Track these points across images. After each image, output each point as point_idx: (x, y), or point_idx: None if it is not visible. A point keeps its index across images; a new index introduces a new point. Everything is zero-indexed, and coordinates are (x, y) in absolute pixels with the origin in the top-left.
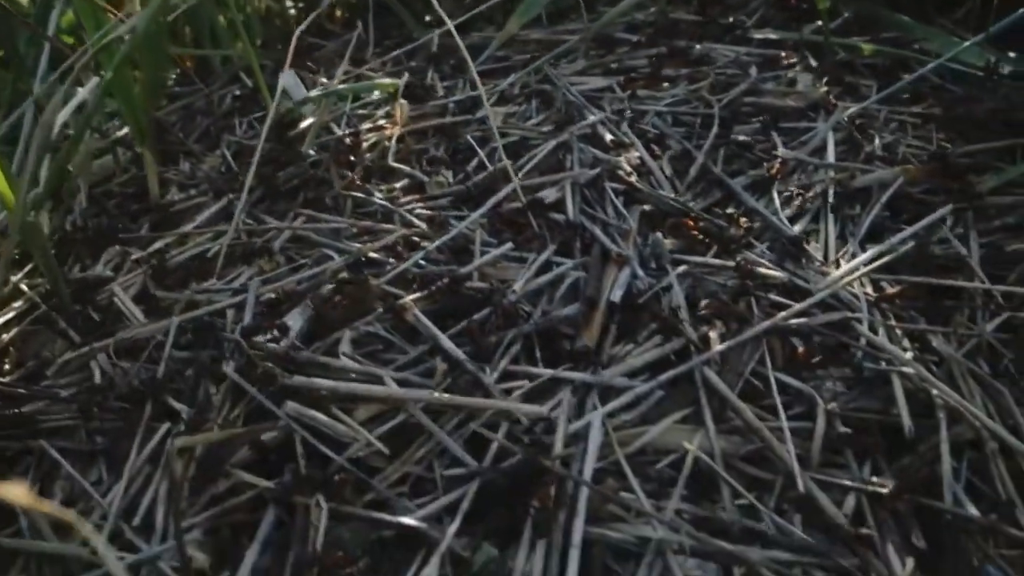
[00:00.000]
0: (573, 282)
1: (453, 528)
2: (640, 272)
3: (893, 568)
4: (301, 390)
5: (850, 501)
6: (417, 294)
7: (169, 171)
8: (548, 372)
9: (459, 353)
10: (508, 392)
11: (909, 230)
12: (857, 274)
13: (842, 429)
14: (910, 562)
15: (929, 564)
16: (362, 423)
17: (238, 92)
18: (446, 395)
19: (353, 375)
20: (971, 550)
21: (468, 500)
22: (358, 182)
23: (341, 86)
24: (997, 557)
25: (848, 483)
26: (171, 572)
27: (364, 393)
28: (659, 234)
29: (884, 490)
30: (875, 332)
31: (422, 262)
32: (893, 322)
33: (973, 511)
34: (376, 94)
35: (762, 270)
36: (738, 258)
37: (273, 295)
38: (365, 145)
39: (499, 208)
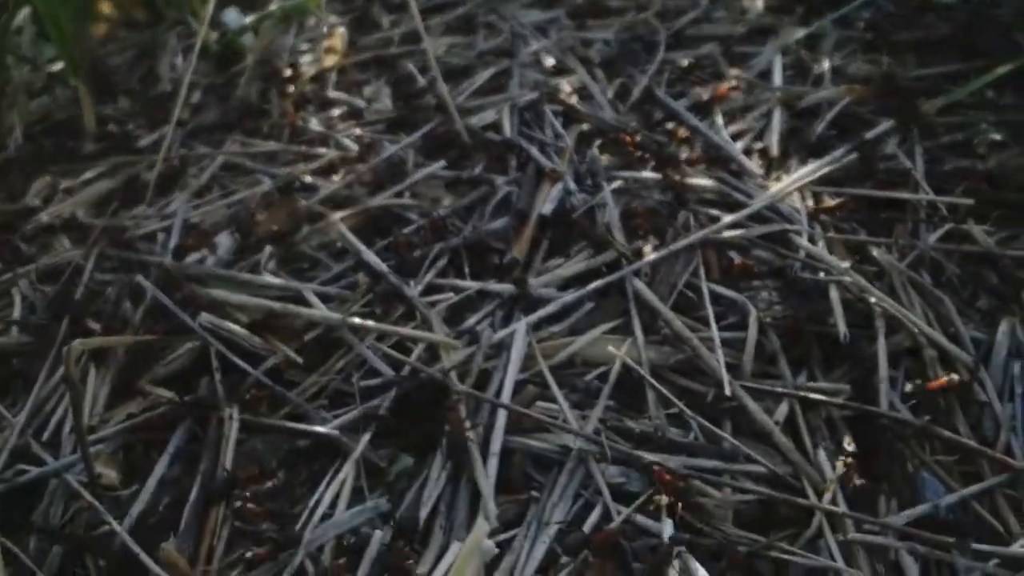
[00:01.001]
0: (505, 197)
1: (367, 436)
2: (574, 187)
3: (824, 473)
4: (219, 305)
5: (782, 409)
6: (344, 212)
7: (108, 108)
8: (474, 285)
9: (382, 266)
10: (432, 304)
11: (852, 145)
12: (794, 185)
13: (776, 338)
14: (840, 466)
15: (863, 470)
16: (280, 337)
17: (182, 32)
18: (356, 319)
19: (275, 291)
20: (905, 455)
21: (384, 410)
22: (296, 111)
23: (272, 7)
24: (933, 463)
25: (780, 390)
26: (79, 486)
27: (280, 310)
28: (595, 151)
29: (818, 396)
30: (814, 244)
31: (353, 184)
32: (833, 234)
33: (908, 416)
34: (325, 30)
35: (696, 183)
36: (670, 171)
37: (202, 218)
38: (305, 76)
39: (434, 131)
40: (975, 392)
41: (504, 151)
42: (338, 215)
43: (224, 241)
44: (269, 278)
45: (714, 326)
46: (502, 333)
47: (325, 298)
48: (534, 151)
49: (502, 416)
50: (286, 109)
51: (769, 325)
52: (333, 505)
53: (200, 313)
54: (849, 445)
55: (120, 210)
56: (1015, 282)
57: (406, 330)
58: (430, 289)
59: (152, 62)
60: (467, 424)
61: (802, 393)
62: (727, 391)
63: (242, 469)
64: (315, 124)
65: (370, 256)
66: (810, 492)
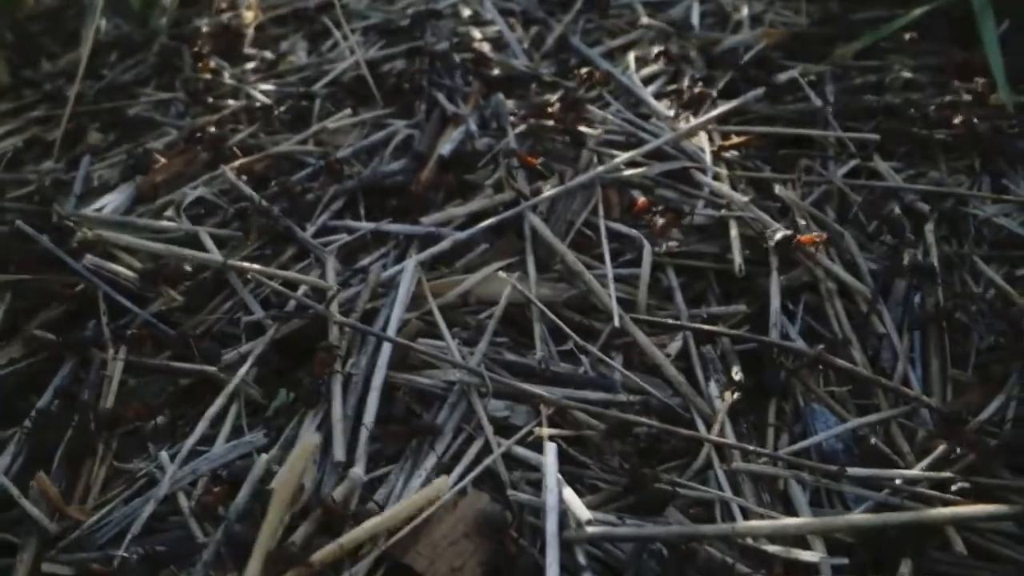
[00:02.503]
0: (406, 140)
1: (243, 371)
2: (476, 130)
3: (714, 404)
4: (108, 249)
5: (676, 343)
6: (245, 159)
7: (26, 71)
8: (368, 225)
9: (274, 210)
10: (325, 245)
11: (762, 87)
12: (700, 125)
13: (673, 275)
14: (729, 397)
15: (753, 403)
16: (169, 280)
17: None
18: (237, 262)
19: (171, 236)
20: (796, 389)
21: (265, 348)
22: (210, 65)
23: None
24: (826, 396)
25: (672, 321)
26: None
27: (165, 252)
28: (501, 96)
29: (710, 327)
30: (718, 181)
31: (258, 132)
32: (738, 171)
33: (802, 345)
34: None
35: (601, 125)
36: (574, 115)
37: (106, 170)
38: (222, 32)
39: (344, 81)
40: (873, 324)
41: (412, 99)
42: (236, 162)
43: (124, 189)
44: (164, 223)
45: (608, 263)
46: (391, 271)
47: (220, 241)
48: (441, 97)
49: (385, 351)
50: (200, 64)
51: (667, 263)
52: (212, 441)
53: (85, 255)
54: (737, 374)
55: (26, 164)
56: (919, 217)
57: (284, 272)
58: (324, 231)
59: (76, 24)
60: (338, 362)
61: (695, 324)
62: (616, 323)
63: (123, 408)
64: (228, 78)
65: (261, 199)
66: (699, 424)
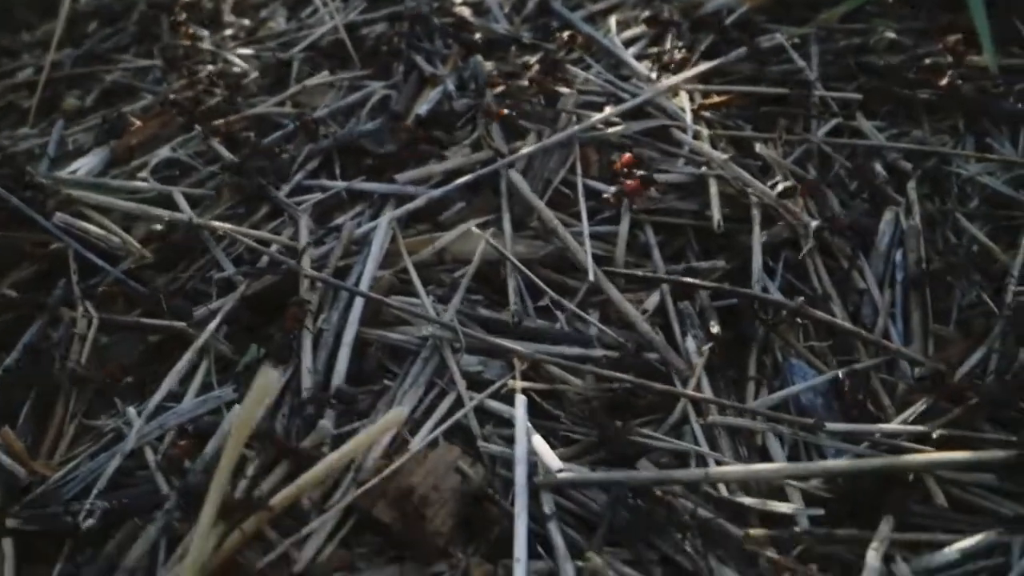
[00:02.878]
0: (383, 101)
1: (213, 325)
2: (454, 91)
3: (691, 359)
4: (81, 209)
5: (653, 298)
6: (221, 120)
7: (4, 40)
8: (341, 184)
9: (247, 169)
10: (299, 204)
11: (745, 48)
12: (680, 84)
13: (651, 232)
14: (706, 351)
15: (732, 357)
16: (140, 239)
17: None
18: (208, 220)
19: (144, 196)
20: (774, 340)
21: (236, 303)
22: (189, 33)
23: None
24: (805, 350)
25: (650, 274)
26: None
27: (137, 211)
28: (479, 58)
29: (688, 280)
30: (698, 140)
31: (235, 95)
32: (719, 131)
33: (781, 298)
34: None
35: (581, 86)
36: (552, 76)
37: (82, 133)
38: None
39: (323, 45)
40: (854, 280)
41: (390, 61)
42: (210, 124)
43: (98, 153)
44: (137, 184)
45: (585, 219)
46: (365, 228)
47: (193, 201)
48: (419, 60)
49: (357, 306)
50: (179, 32)
51: (645, 221)
52: (182, 398)
53: (56, 215)
54: (715, 327)
55: (2, 131)
56: (901, 175)
57: (256, 231)
58: (299, 190)
59: None
60: (309, 318)
61: (672, 277)
62: (591, 278)
63: (96, 366)
64: (206, 44)
65: (234, 159)
66: (676, 379)
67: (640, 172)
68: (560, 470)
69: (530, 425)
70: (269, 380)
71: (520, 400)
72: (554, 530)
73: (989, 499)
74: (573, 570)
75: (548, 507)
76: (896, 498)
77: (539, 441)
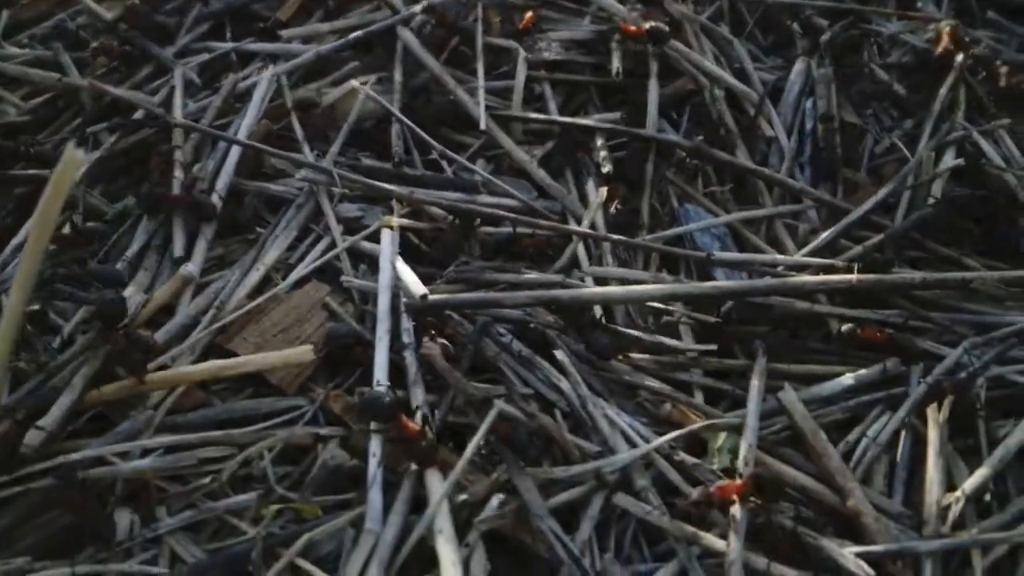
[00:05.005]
0: None
1: (80, 171)
2: None
3: (589, 200)
4: None
5: (548, 145)
6: None
7: None
8: (228, 45)
9: (131, 32)
10: (186, 63)
11: None
12: None
13: (548, 85)
14: (604, 191)
15: (627, 203)
16: (22, 97)
17: None
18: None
19: (28, 58)
20: (669, 188)
21: (104, 153)
22: None
23: None
24: (706, 198)
25: (541, 116)
26: None
27: (19, 74)
28: None
29: (584, 121)
30: None
31: None
32: None
33: (677, 137)
34: None
35: None
36: None
37: None
38: None
39: None
40: (761, 128)
41: None
42: None
43: None
44: (21, 50)
45: (481, 74)
46: (247, 82)
47: (80, 64)
48: None
49: (233, 156)
50: None
51: (544, 78)
52: None
53: None
54: (606, 167)
55: None
56: (816, 29)
57: (133, 92)
58: (186, 52)
59: None
60: (179, 167)
61: (565, 120)
62: (482, 126)
63: None
64: None
65: (118, 21)
66: (570, 220)
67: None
68: (425, 295)
69: (400, 257)
70: (74, 158)
71: (388, 233)
72: (409, 357)
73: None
74: (423, 395)
75: (406, 337)
76: (782, 321)
77: (404, 269)
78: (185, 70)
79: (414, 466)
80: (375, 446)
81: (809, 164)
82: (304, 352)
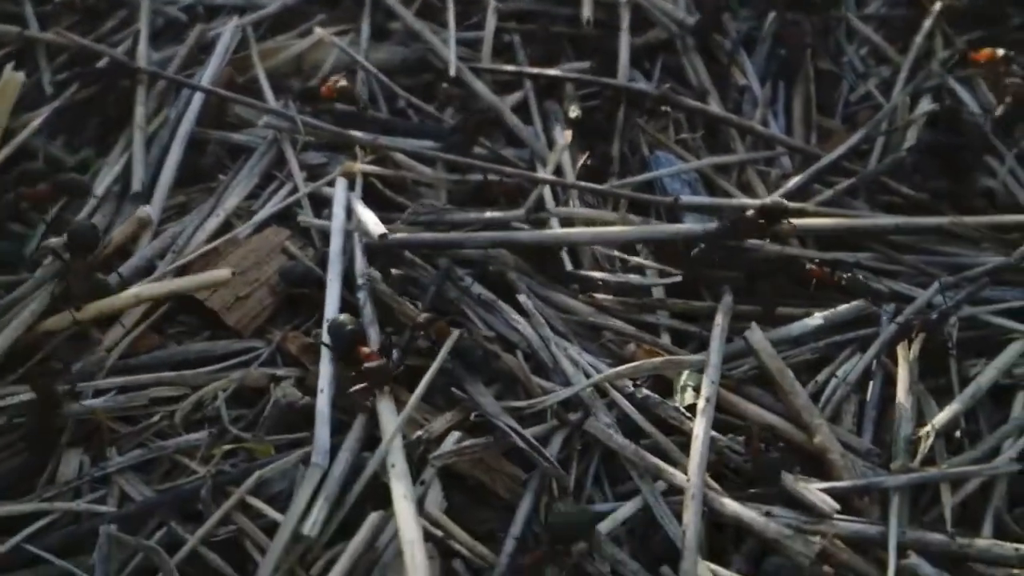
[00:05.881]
0: None
1: (37, 123)
2: None
3: (554, 138)
4: None
5: (516, 96)
6: None
7: None
8: None
9: None
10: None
11: None
12: None
13: (517, 35)
14: (568, 134)
15: (597, 151)
16: None
17: None
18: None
19: None
20: (639, 135)
21: (65, 102)
22: None
23: None
24: (677, 145)
25: (512, 68)
26: None
27: None
28: None
29: (553, 72)
30: None
31: None
32: None
33: (645, 85)
34: None
35: None
36: None
37: None
38: None
39: None
40: (734, 76)
41: None
42: None
43: None
44: None
45: (452, 22)
46: (212, 33)
47: (42, 17)
48: None
49: (196, 103)
50: None
51: (515, 29)
52: None
53: None
54: (574, 112)
55: None
56: None
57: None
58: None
59: None
60: (142, 114)
61: (535, 70)
62: (452, 72)
63: None
64: None
65: None
66: (539, 169)
67: None
68: (384, 235)
69: (361, 200)
70: (13, 79)
71: (341, 182)
72: (363, 297)
73: (867, 278)
74: (377, 332)
75: (361, 278)
76: (752, 264)
77: (364, 210)
78: (151, 20)
79: (370, 400)
80: (324, 381)
81: (784, 111)
82: (223, 273)
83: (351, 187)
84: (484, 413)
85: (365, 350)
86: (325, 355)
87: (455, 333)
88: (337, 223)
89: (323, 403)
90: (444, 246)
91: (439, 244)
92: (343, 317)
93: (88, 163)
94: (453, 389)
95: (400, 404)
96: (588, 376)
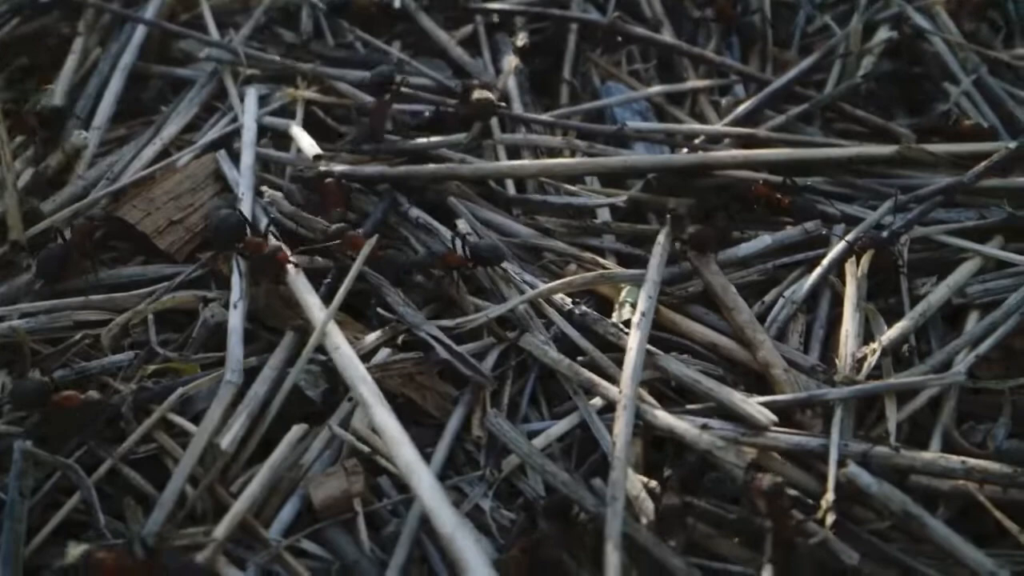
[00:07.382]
0: None
1: None
2: None
3: (503, 67)
4: None
5: (466, 29)
6: None
7: None
8: None
9: None
10: None
11: None
12: None
13: None
14: (513, 59)
15: (546, 83)
16: None
17: None
18: None
19: None
20: (591, 67)
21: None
22: None
23: None
24: (629, 76)
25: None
26: None
27: None
28: None
29: (500, 6)
30: None
31: None
32: None
33: (595, 16)
34: None
35: None
36: None
37: None
38: None
39: None
40: (688, 9)
41: None
42: None
43: None
44: None
45: None
46: None
47: None
48: None
49: (138, 36)
50: None
51: None
52: None
53: None
54: (522, 40)
55: None
56: None
57: None
58: None
59: None
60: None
61: (483, 5)
62: (396, 4)
63: None
64: None
65: None
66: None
67: None
68: (318, 156)
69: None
70: None
71: (251, 92)
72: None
73: (820, 201)
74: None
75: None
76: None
77: (301, 133)
78: None
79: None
80: (235, 296)
81: (739, 43)
82: None
83: (292, 116)
84: (409, 325)
85: (253, 239)
86: (236, 271)
87: (369, 242)
88: (248, 136)
89: (236, 319)
90: (384, 181)
91: (379, 179)
92: (224, 210)
93: (28, 95)
94: (374, 304)
95: (342, 327)
96: (521, 292)
